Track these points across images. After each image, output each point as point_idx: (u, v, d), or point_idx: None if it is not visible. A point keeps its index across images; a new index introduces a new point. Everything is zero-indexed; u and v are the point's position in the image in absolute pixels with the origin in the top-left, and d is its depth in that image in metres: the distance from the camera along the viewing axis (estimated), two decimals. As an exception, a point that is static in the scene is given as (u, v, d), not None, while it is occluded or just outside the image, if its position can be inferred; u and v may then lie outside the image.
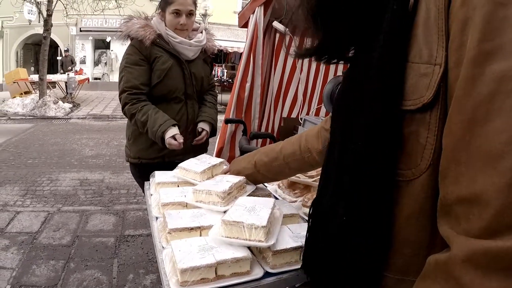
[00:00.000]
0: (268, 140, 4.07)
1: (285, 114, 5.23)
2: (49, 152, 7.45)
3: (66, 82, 14.80)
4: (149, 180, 2.12)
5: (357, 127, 0.81)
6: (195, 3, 2.54)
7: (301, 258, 1.10)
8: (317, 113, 4.81)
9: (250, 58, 4.26)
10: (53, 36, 15.46)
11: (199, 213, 1.53)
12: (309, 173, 1.92)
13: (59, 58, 18.32)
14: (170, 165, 2.17)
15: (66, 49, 18.21)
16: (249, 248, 1.29)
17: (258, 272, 1.26)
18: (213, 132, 2.70)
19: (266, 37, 4.60)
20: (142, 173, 2.48)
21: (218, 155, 4.37)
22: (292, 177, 1.91)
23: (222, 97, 11.78)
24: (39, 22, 15.07)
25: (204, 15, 17.61)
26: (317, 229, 1.02)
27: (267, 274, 1.27)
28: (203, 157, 2.09)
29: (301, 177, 1.92)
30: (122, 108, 2.41)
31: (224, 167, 2.02)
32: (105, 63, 22.14)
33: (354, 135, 0.82)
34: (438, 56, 0.68)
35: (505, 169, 0.55)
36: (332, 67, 5.59)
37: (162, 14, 2.50)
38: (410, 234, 0.77)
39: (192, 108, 2.63)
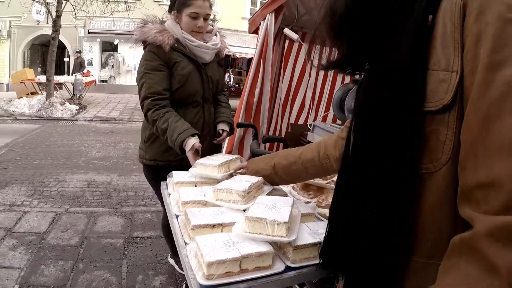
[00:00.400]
0: (281, 145, 4.06)
1: (292, 120, 5.26)
2: (56, 153, 7.48)
3: (73, 84, 14.88)
4: (161, 181, 2.14)
5: (382, 129, 0.91)
6: (210, 7, 2.55)
7: (319, 254, 1.24)
8: (324, 120, 4.82)
9: (260, 64, 4.29)
10: (61, 37, 15.54)
11: (219, 211, 1.57)
12: None
13: (66, 59, 18.41)
14: (185, 168, 2.18)
15: (78, 50, 18.29)
16: (270, 243, 1.33)
17: (279, 267, 1.30)
18: (231, 131, 2.74)
19: (276, 43, 4.62)
20: (156, 175, 2.49)
21: (227, 159, 4.39)
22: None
23: (232, 102, 11.76)
24: (47, 23, 15.20)
25: (213, 20, 17.71)
26: (338, 224, 1.14)
27: (287, 269, 1.32)
28: (218, 155, 2.14)
29: (315, 180, 1.95)
30: (145, 114, 2.39)
31: (239, 162, 2.05)
32: (112, 66, 22.24)
33: (379, 137, 0.92)
34: (454, 64, 0.80)
35: None
36: (340, 74, 5.62)
37: (177, 15, 2.48)
38: (434, 221, 0.87)
39: (208, 111, 2.63)
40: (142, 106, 2.41)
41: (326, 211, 1.72)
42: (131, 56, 20.78)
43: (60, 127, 10.59)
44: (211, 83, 2.60)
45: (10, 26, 21.05)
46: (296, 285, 2.24)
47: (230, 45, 12.44)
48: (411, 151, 0.86)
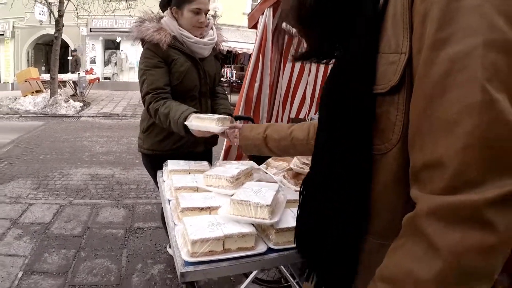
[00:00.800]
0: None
1: (293, 115, 5.32)
2: (61, 149, 7.59)
3: (75, 82, 14.99)
4: (160, 170, 2.25)
5: (338, 112, 0.93)
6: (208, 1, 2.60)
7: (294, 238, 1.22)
8: (308, 113, 4.89)
9: (259, 59, 4.34)
10: (64, 36, 15.63)
11: (209, 195, 1.66)
12: None
13: (69, 58, 18.54)
14: (181, 157, 2.33)
15: (74, 49, 18.46)
16: (254, 226, 1.41)
17: (262, 248, 1.38)
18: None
19: (275, 38, 4.68)
20: (154, 164, 2.60)
21: (227, 153, 4.46)
22: (297, 168, 2.03)
23: (231, 98, 11.85)
24: (50, 22, 15.28)
25: (214, 16, 17.74)
26: (305, 206, 1.16)
27: (270, 250, 1.39)
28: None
29: (305, 168, 2.03)
30: (147, 108, 2.45)
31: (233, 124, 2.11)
32: (115, 63, 22.37)
33: (336, 120, 0.94)
34: (403, 46, 0.80)
35: (460, 134, 0.65)
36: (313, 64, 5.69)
37: (177, 11, 2.51)
38: (387, 202, 0.89)
39: (205, 105, 2.71)
40: (144, 101, 2.48)
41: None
42: (134, 53, 20.86)
43: (64, 124, 10.71)
44: (208, 78, 2.66)
45: (13, 26, 21.26)
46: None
47: (231, 41, 12.40)
48: (362, 132, 0.88)
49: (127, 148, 7.77)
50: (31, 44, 22.05)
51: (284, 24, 4.08)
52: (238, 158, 4.38)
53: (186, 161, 2.24)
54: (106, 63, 22.59)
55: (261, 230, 1.47)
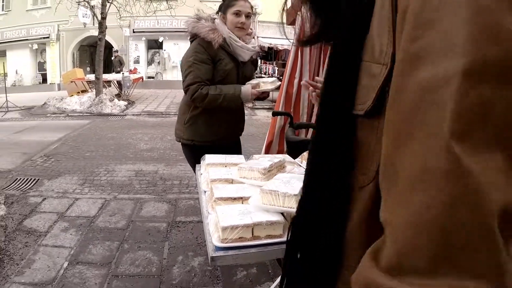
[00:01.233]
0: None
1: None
2: (106, 146, 7.83)
3: (119, 81, 15.38)
4: (199, 161, 2.35)
5: (319, 130, 0.76)
6: (252, 8, 2.92)
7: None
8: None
9: (297, 55, 4.37)
10: (107, 37, 16.03)
11: (242, 187, 1.72)
12: None
13: (113, 58, 19.07)
14: (218, 148, 2.61)
15: (115, 50, 18.95)
16: (283, 214, 1.45)
17: None
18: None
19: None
20: (194, 153, 2.89)
21: (268, 149, 4.50)
22: None
23: (273, 94, 11.78)
24: (93, 24, 15.70)
25: (254, 14, 17.77)
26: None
27: None
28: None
29: None
30: (192, 95, 2.69)
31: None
32: (158, 63, 22.81)
33: (318, 140, 0.77)
34: (385, 54, 0.58)
35: (416, 203, 0.45)
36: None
37: (223, 16, 2.81)
38: (362, 238, 0.70)
39: None
40: (187, 90, 2.73)
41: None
42: (176, 52, 21.24)
43: (109, 122, 11.04)
44: (243, 79, 2.90)
45: (58, 29, 22.13)
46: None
47: (272, 38, 12.50)
48: (340, 159, 0.70)
49: (171, 145, 7.90)
50: (76, 46, 22.84)
51: None
52: (280, 153, 4.40)
53: (223, 155, 2.32)
54: (149, 62, 23.08)
55: (290, 218, 1.49)
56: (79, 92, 15.01)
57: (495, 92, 0.41)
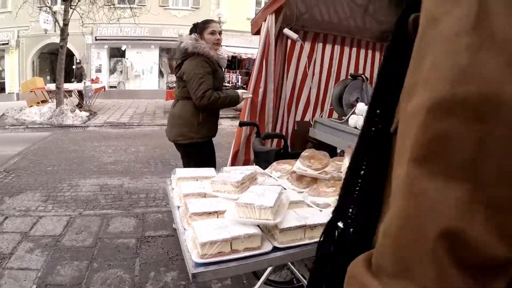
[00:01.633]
0: (282, 141, 4.18)
1: (298, 118, 5.41)
2: (68, 159, 7.65)
3: (81, 91, 15.08)
4: (205, 157, 2.69)
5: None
6: (221, 27, 3.83)
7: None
8: (330, 115, 4.93)
9: (262, 64, 4.42)
10: (69, 45, 15.71)
11: (216, 200, 1.73)
12: (315, 167, 2.06)
13: (74, 67, 18.70)
14: (209, 142, 3.83)
15: (78, 61, 18.62)
16: (259, 227, 1.49)
17: (267, 247, 1.46)
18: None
19: (278, 43, 4.75)
20: (203, 150, 3.72)
21: (234, 158, 4.51)
22: (300, 170, 2.09)
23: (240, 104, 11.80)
24: (55, 31, 15.42)
25: (218, 23, 17.81)
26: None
27: (275, 249, 1.47)
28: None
29: (308, 171, 2.08)
30: (209, 100, 3.40)
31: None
32: (121, 72, 22.49)
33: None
34: None
35: (388, 216, 0.51)
36: (344, 69, 5.75)
37: (200, 36, 3.56)
38: None
39: None
40: (203, 96, 3.38)
41: (317, 199, 1.85)
42: (139, 61, 21.05)
43: (71, 134, 10.80)
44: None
45: (18, 36, 21.45)
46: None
47: (236, 46, 12.67)
48: (376, 171, 0.72)
49: (135, 157, 7.83)
50: (36, 53, 22.21)
51: (286, 30, 4.12)
52: (246, 163, 4.43)
53: (193, 169, 2.31)
54: (112, 71, 22.72)
55: (266, 230, 1.55)
56: (39, 103, 14.59)
57: (460, 127, 0.44)
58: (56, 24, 13.48)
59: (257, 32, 4.60)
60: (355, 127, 3.36)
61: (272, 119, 4.71)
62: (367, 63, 6.26)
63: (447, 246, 0.44)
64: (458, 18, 0.46)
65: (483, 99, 0.42)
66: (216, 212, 1.62)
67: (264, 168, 2.46)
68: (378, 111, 0.73)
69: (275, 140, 5.00)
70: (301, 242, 1.50)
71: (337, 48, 5.85)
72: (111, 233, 4.22)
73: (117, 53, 22.33)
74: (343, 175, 1.66)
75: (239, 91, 3.79)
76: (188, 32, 3.67)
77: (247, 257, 1.39)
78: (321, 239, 0.87)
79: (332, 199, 1.86)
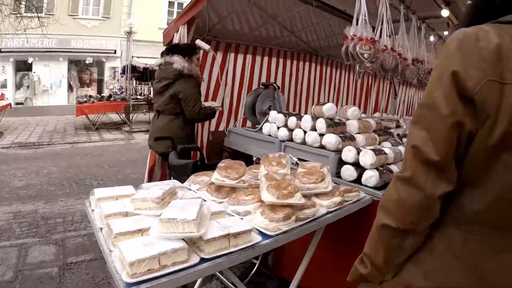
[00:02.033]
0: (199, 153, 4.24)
1: (213, 128, 5.47)
2: (-25, 187, 7.16)
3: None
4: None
5: None
6: None
7: None
8: (244, 124, 5.06)
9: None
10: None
11: (138, 218, 1.75)
12: (232, 176, 2.18)
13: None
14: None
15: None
16: (185, 240, 1.53)
17: (195, 259, 1.51)
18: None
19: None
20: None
21: (150, 173, 4.51)
22: (218, 181, 2.19)
23: (151, 116, 11.71)
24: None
25: (129, 33, 17.53)
26: None
27: (202, 260, 1.52)
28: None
29: (226, 181, 2.18)
30: (202, 115, 4.04)
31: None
32: (28, 86, 21.09)
33: None
34: None
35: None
36: (256, 78, 5.94)
37: (189, 59, 4.00)
38: None
39: None
40: (199, 113, 3.97)
41: (238, 208, 1.96)
42: (47, 74, 19.99)
43: (-24, 159, 10.10)
44: None
45: None
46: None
47: (147, 57, 12.45)
48: None
49: (48, 179, 7.46)
50: None
51: (198, 41, 4.19)
52: (163, 177, 4.44)
53: (112, 188, 2.29)
54: (18, 86, 21.30)
55: (192, 243, 1.59)
56: None
57: (423, 139, 1.10)
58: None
59: (169, 43, 4.61)
60: (269, 135, 3.52)
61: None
62: (278, 72, 6.50)
63: (416, 154, 1.11)
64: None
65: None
66: (140, 230, 1.64)
67: (182, 182, 2.49)
68: None
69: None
70: (226, 251, 1.57)
71: (249, 57, 6.02)
72: (31, 263, 4.00)
73: (23, 66, 20.87)
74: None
75: (213, 105, 4.33)
76: (165, 52, 4.17)
77: (176, 271, 1.42)
78: None
79: (252, 206, 1.96)
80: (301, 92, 7.12)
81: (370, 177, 2.60)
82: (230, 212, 1.96)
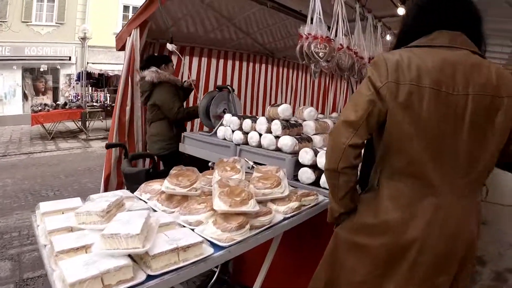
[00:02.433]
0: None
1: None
2: None
3: None
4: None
5: None
6: None
7: None
8: (201, 128, 4.97)
9: (128, 81, 4.33)
10: None
11: (82, 234, 1.62)
12: (183, 184, 2.07)
13: None
14: None
15: None
16: (131, 256, 1.44)
17: (141, 277, 1.40)
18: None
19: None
20: (181, 155, 4.15)
21: (106, 182, 4.36)
22: (169, 190, 2.07)
23: (107, 123, 11.46)
24: None
25: (83, 39, 17.14)
26: None
27: (150, 277, 1.42)
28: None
29: (176, 189, 2.06)
30: (183, 113, 4.21)
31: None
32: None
33: None
34: None
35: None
36: (212, 81, 5.89)
37: (166, 66, 4.32)
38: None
39: None
40: (178, 112, 4.16)
41: (189, 218, 1.86)
42: (1, 83, 19.25)
43: None
44: None
45: None
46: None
47: (102, 63, 12.24)
48: None
49: (3, 192, 7.13)
50: None
51: (168, 44, 4.11)
52: (120, 186, 4.30)
53: (57, 201, 2.15)
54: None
55: (139, 258, 1.49)
56: None
57: (348, 108, 1.62)
58: None
59: (122, 48, 4.47)
60: (224, 139, 3.43)
61: (141, 138, 4.63)
62: (234, 74, 6.50)
63: (342, 116, 1.62)
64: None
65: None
66: (84, 246, 1.52)
67: (134, 191, 2.38)
68: None
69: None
70: (176, 266, 1.47)
71: (204, 60, 5.98)
72: (-16, 282, 3.81)
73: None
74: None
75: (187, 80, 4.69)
76: (140, 67, 4.35)
77: (122, 292, 1.34)
78: None
79: (204, 216, 1.86)
80: (258, 94, 7.13)
81: (329, 179, 2.54)
82: (181, 223, 1.86)
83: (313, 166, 2.64)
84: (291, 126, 2.95)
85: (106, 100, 16.55)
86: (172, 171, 2.20)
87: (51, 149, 11.69)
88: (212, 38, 5.73)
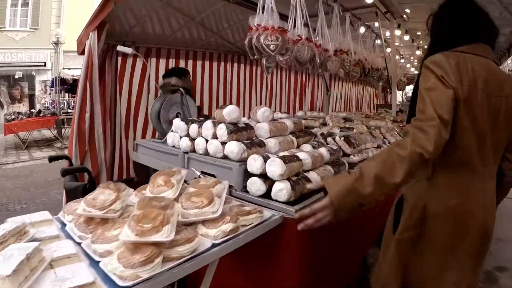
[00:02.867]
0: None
1: (139, 138, 5.10)
2: None
3: None
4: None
5: None
6: None
7: None
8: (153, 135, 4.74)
9: (86, 86, 4.05)
10: None
11: None
12: (99, 206, 1.73)
13: None
14: None
15: None
16: None
17: None
18: None
19: (107, 62, 4.55)
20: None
21: (67, 195, 4.06)
22: (85, 213, 1.71)
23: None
24: None
25: (56, 44, 16.76)
26: None
27: None
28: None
29: (92, 211, 1.72)
30: None
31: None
32: None
33: None
34: None
35: None
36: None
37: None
38: None
39: None
40: None
41: (99, 247, 1.54)
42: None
43: None
44: None
45: None
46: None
47: (76, 68, 12.04)
48: None
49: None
50: None
51: (120, 47, 3.79)
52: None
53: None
54: None
55: None
56: None
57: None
58: None
59: (83, 51, 4.18)
60: (173, 146, 3.12)
61: (103, 145, 4.32)
62: (205, 75, 6.30)
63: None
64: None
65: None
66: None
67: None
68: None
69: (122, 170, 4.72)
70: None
71: (172, 61, 5.77)
72: None
73: None
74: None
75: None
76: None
77: None
78: None
79: (114, 244, 1.54)
80: (231, 95, 6.85)
81: (280, 190, 2.18)
82: (90, 253, 1.53)
83: (264, 176, 2.30)
84: (239, 130, 2.58)
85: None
86: (97, 189, 1.88)
87: (25, 159, 11.34)
88: (179, 38, 5.51)
